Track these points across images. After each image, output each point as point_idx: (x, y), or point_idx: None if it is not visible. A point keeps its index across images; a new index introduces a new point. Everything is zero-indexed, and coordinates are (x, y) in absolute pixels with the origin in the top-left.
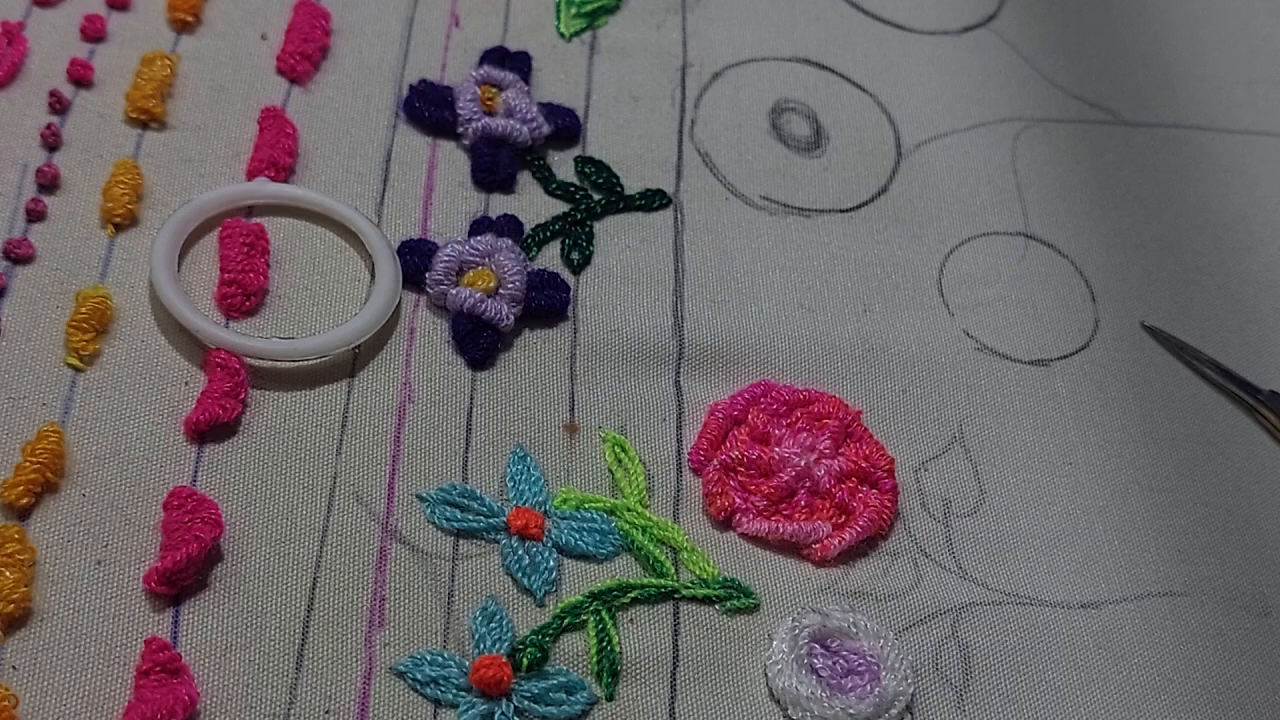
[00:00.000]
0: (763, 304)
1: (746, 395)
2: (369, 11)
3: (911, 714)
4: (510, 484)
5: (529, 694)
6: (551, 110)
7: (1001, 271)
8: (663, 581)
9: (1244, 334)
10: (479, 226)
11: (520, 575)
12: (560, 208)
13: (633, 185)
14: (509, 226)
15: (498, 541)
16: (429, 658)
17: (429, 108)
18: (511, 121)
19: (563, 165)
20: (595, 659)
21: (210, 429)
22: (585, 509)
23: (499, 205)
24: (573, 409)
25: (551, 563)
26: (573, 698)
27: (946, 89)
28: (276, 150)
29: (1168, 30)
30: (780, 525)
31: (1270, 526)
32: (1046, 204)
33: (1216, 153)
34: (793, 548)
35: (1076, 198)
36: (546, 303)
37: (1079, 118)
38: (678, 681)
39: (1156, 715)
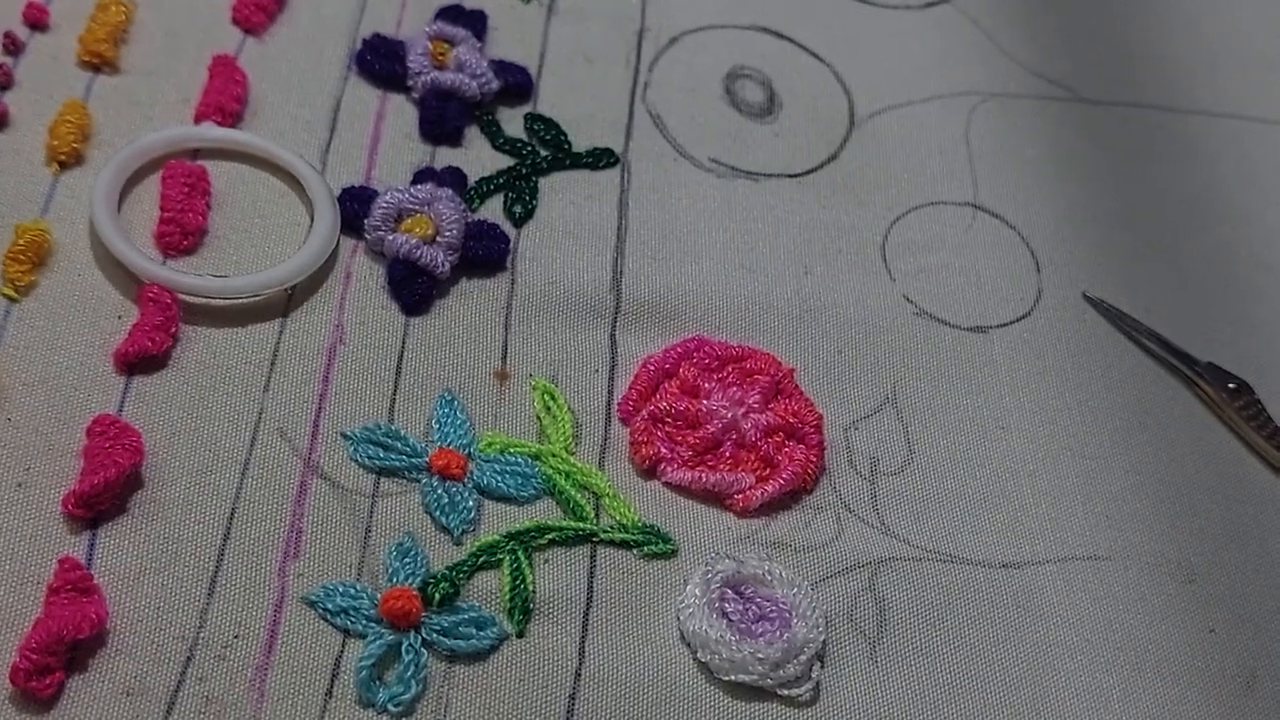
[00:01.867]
0: (704, 263)
1: (679, 349)
2: None
3: (822, 663)
4: (435, 426)
5: (438, 627)
6: (502, 67)
7: (947, 240)
8: (581, 525)
9: (1187, 309)
10: (422, 177)
11: (439, 514)
12: (507, 162)
13: (582, 144)
14: (451, 177)
15: (419, 481)
16: (341, 589)
17: (380, 60)
18: (461, 76)
19: (513, 122)
20: (508, 596)
21: (139, 361)
22: (510, 453)
23: (445, 158)
24: (505, 357)
25: (470, 503)
26: (482, 633)
27: (905, 62)
28: (224, 97)
29: (1133, 10)
30: (704, 475)
31: (1201, 496)
32: (997, 176)
33: (1176, 133)
34: (716, 498)
35: (1029, 171)
36: (484, 253)
37: (1037, 94)
38: (590, 621)
39: (1072, 674)
